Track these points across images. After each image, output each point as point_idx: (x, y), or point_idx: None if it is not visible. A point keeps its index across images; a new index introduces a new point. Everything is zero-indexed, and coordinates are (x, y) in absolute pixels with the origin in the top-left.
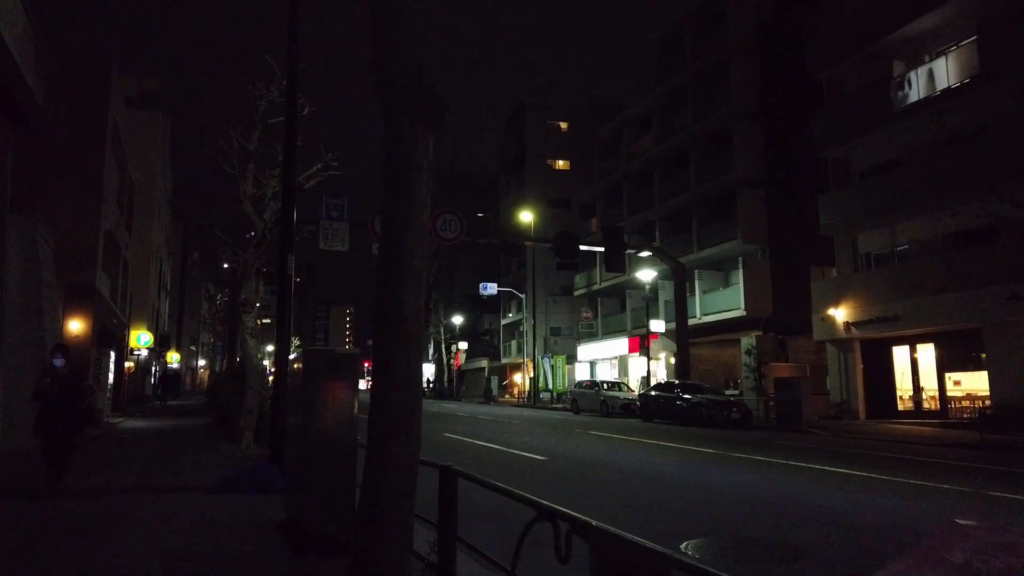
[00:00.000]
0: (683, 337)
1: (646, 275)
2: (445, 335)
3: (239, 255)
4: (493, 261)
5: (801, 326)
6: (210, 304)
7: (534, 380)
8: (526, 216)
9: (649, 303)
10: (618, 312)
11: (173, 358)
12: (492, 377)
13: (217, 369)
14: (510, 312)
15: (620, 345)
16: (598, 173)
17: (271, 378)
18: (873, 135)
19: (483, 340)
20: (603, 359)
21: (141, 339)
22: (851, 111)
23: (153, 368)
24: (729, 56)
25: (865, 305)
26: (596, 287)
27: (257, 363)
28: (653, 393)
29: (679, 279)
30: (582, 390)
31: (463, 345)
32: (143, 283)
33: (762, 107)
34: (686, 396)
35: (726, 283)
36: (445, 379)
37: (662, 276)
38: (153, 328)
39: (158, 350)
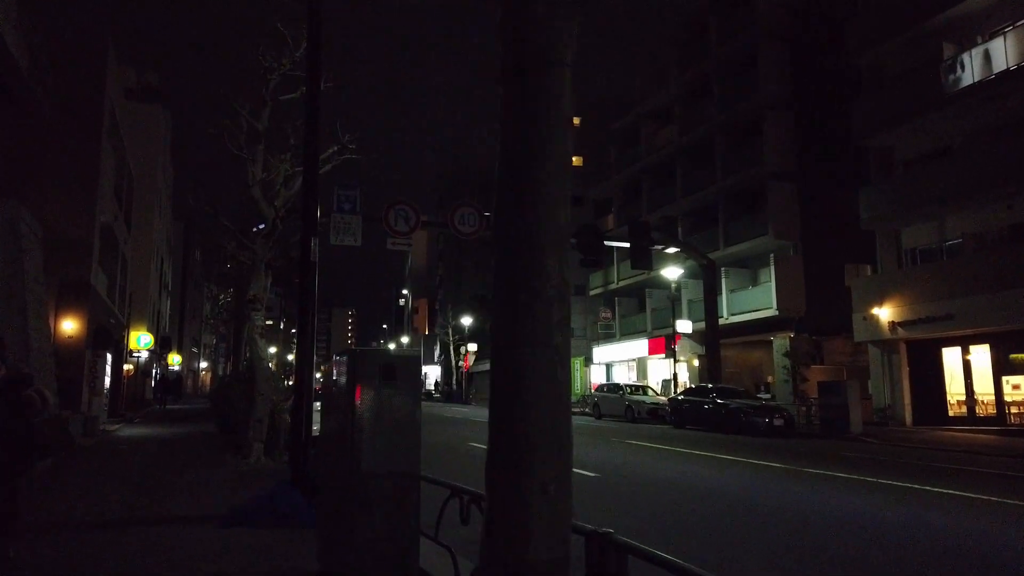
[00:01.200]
0: (713, 338)
1: (672, 272)
2: (453, 336)
3: (247, 247)
4: None
5: (836, 326)
6: (212, 304)
7: None
8: None
9: (673, 303)
10: (636, 312)
11: (174, 360)
12: None
13: (220, 372)
14: None
15: (639, 347)
16: (614, 168)
17: (289, 382)
18: (920, 121)
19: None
20: (620, 361)
21: (141, 340)
22: (895, 96)
23: (154, 371)
24: (757, 42)
25: (912, 304)
26: (613, 286)
27: (267, 366)
28: (685, 397)
29: (709, 276)
30: (604, 394)
31: (472, 347)
32: (143, 281)
33: (793, 95)
34: (722, 401)
35: (754, 281)
36: (454, 381)
37: (688, 274)
38: (154, 329)
39: (159, 352)
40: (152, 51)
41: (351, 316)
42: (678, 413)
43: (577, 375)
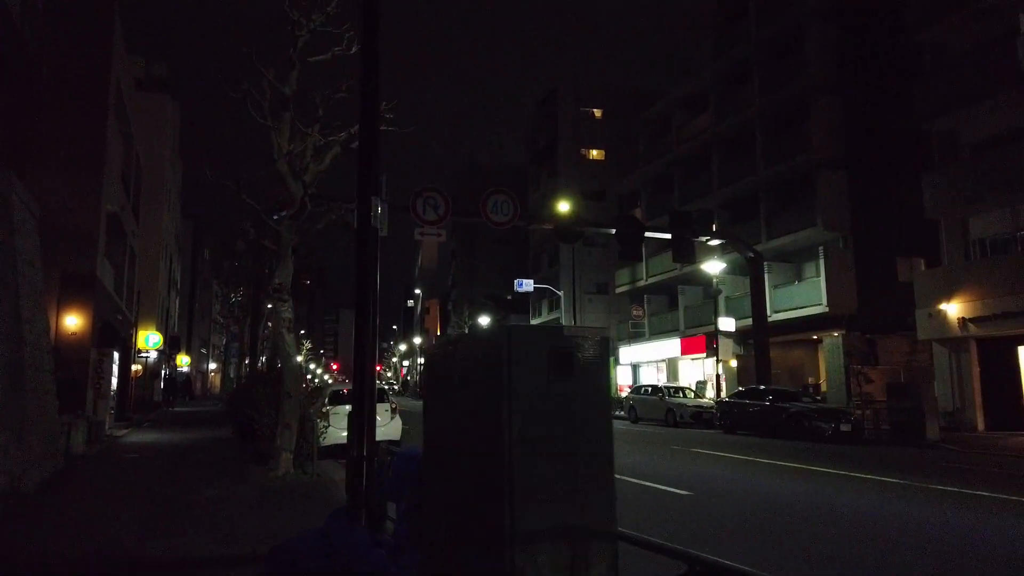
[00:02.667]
0: (762, 336)
1: (713, 267)
2: None
3: (271, 228)
4: (519, 259)
5: (891, 324)
6: (224, 303)
7: None
8: (563, 207)
9: (708, 299)
10: (667, 311)
11: (183, 361)
12: None
13: (232, 374)
14: (541, 312)
15: (670, 346)
16: (643, 159)
17: (322, 382)
18: (990, 101)
19: None
20: (648, 362)
21: (150, 340)
22: (962, 75)
23: (163, 372)
24: (803, 22)
25: (985, 298)
26: (642, 283)
27: (296, 364)
28: (735, 400)
29: (755, 271)
30: (642, 396)
31: None
32: (152, 279)
33: (842, 78)
34: (781, 404)
35: (798, 276)
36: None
37: (727, 270)
38: (163, 328)
39: (168, 352)
40: (160, 43)
41: None
42: (728, 417)
43: None
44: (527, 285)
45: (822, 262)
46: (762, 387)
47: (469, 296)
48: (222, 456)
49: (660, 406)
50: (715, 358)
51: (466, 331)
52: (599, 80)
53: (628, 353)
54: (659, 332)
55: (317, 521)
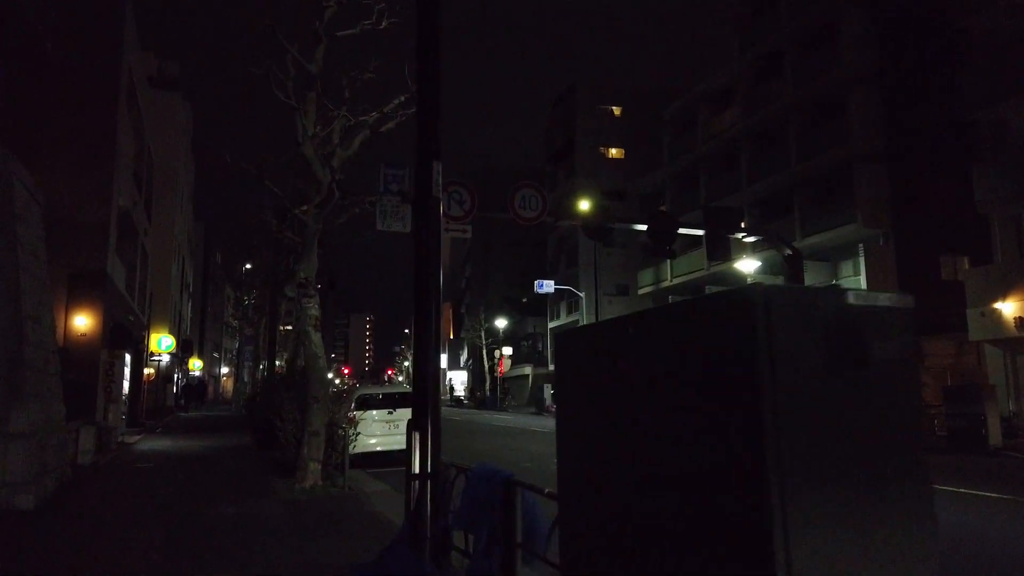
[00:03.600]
0: None
1: (747, 265)
2: (487, 340)
3: (296, 218)
4: (534, 262)
5: (934, 325)
6: (236, 306)
7: None
8: (584, 205)
9: None
10: None
11: (195, 365)
12: (545, 385)
13: (247, 378)
14: (559, 314)
15: None
16: (667, 157)
17: (348, 386)
18: None
19: (525, 345)
20: None
21: (162, 343)
22: (1016, 61)
23: (176, 376)
24: (839, 10)
25: None
26: (666, 284)
27: (323, 366)
28: None
29: (793, 269)
30: None
31: (507, 351)
32: (164, 280)
33: (881, 67)
34: None
35: (834, 275)
36: (487, 387)
37: (761, 269)
38: (175, 331)
39: (180, 356)
40: (172, 41)
41: (369, 321)
42: None
43: None
44: (547, 286)
45: (862, 260)
46: None
47: (483, 299)
48: (242, 466)
49: None
50: None
51: (482, 335)
52: (617, 78)
53: None
54: None
55: (360, 546)
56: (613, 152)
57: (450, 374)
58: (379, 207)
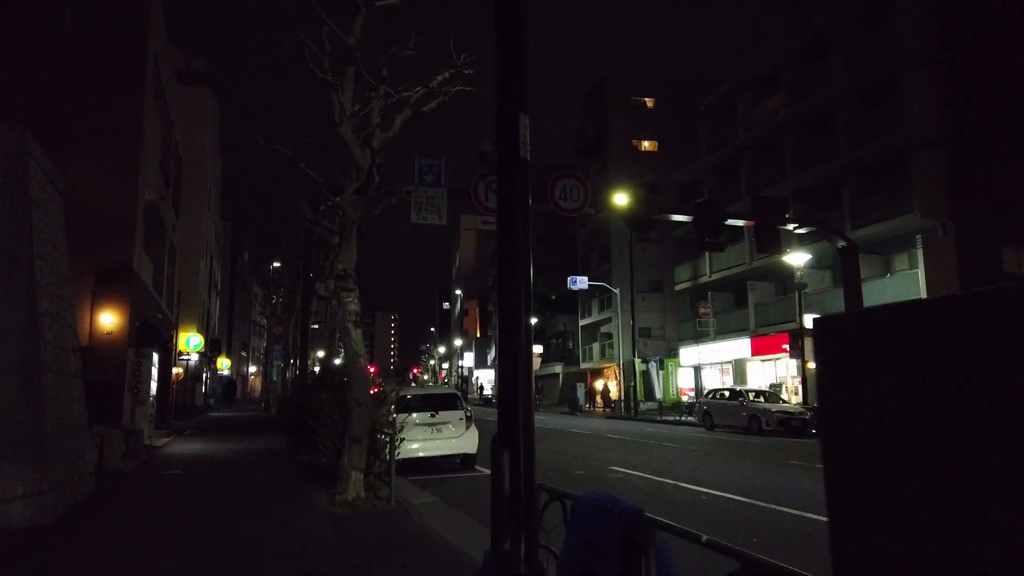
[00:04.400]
0: None
1: (796, 258)
2: None
3: (333, 205)
4: (562, 258)
5: None
6: (265, 303)
7: (632, 388)
8: (621, 199)
9: (781, 295)
10: (733, 309)
11: (224, 364)
12: (578, 384)
13: (276, 377)
14: (591, 312)
15: (737, 347)
16: (705, 147)
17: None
18: None
19: (554, 343)
20: (712, 364)
21: (191, 342)
22: None
23: (204, 375)
24: None
25: None
26: (704, 280)
27: (364, 365)
28: None
29: (850, 261)
30: (718, 401)
31: (537, 349)
32: (193, 278)
33: (940, 47)
34: None
35: (886, 269)
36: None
37: (809, 263)
38: (203, 330)
39: (209, 355)
40: (200, 39)
41: (394, 320)
42: None
43: (672, 378)
44: (581, 282)
45: (920, 252)
46: None
47: None
48: (277, 473)
49: (741, 412)
50: (801, 359)
51: None
52: (650, 69)
53: (689, 354)
54: (725, 332)
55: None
56: (646, 145)
57: (477, 372)
58: (414, 198)
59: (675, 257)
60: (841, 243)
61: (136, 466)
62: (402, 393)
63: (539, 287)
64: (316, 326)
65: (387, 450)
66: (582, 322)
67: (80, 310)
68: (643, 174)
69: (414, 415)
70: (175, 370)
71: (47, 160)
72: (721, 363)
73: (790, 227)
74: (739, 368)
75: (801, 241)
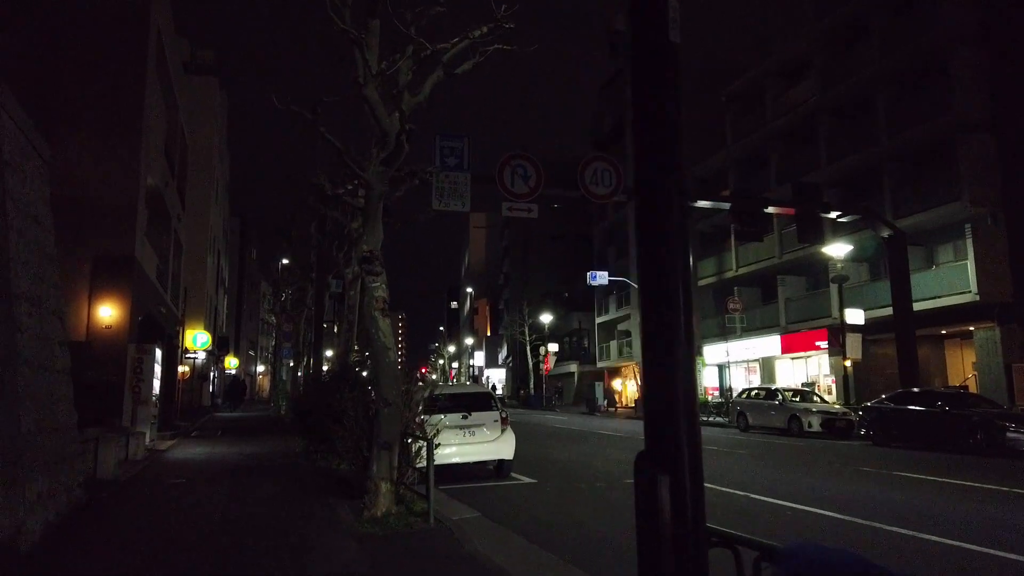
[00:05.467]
0: (907, 329)
1: (837, 250)
2: (531, 335)
3: (357, 176)
4: (576, 255)
5: None
6: (275, 298)
7: None
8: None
9: (813, 289)
10: (760, 304)
11: (231, 363)
12: (597, 383)
13: (286, 376)
14: (608, 309)
15: (767, 344)
16: (730, 137)
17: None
18: None
19: (569, 341)
20: (738, 362)
21: (198, 340)
22: None
23: (211, 374)
24: None
25: None
26: (731, 274)
27: (394, 360)
28: (891, 406)
29: (897, 251)
30: (755, 400)
31: (553, 347)
32: (200, 274)
33: (987, 25)
34: (961, 411)
35: (929, 261)
36: (531, 385)
37: (851, 256)
38: (211, 328)
39: (216, 353)
40: (206, 29)
41: (401, 319)
42: (879, 426)
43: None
44: (601, 278)
45: (968, 243)
46: (916, 389)
47: (522, 295)
48: (293, 481)
49: (779, 412)
50: (841, 357)
51: (525, 331)
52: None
53: (713, 352)
54: (752, 329)
55: None
56: None
57: (487, 372)
58: (435, 183)
59: (696, 252)
60: (887, 232)
61: (135, 473)
62: (454, 391)
63: (551, 284)
64: (324, 325)
65: (421, 457)
66: (599, 320)
67: (76, 302)
68: None
69: (443, 417)
70: (181, 368)
71: (29, 122)
72: (748, 361)
73: (832, 215)
74: (767, 366)
75: (835, 231)
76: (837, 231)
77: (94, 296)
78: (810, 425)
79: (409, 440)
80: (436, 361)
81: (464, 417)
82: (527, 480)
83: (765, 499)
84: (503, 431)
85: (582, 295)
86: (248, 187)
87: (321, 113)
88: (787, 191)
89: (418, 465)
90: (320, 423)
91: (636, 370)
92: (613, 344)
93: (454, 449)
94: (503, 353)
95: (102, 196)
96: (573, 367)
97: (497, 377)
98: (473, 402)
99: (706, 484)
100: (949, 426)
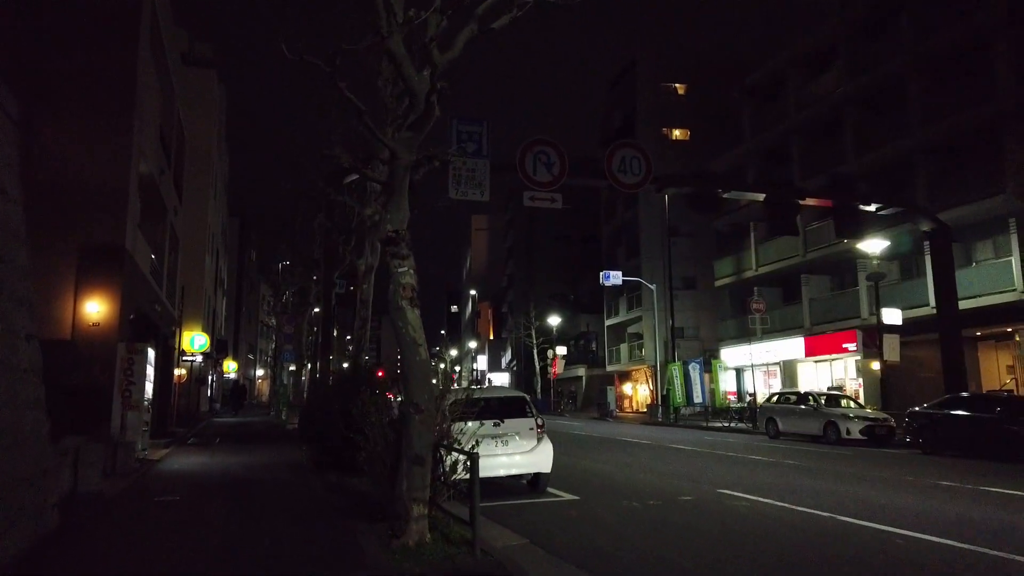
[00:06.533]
0: (952, 329)
1: (873, 246)
2: (538, 339)
3: (378, 140)
4: (581, 256)
5: None
6: (276, 297)
7: (670, 392)
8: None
9: (838, 289)
10: (780, 305)
11: (230, 367)
12: (608, 388)
13: (287, 380)
14: (617, 311)
15: (788, 347)
16: (748, 131)
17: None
18: None
19: (576, 345)
20: (757, 365)
21: (195, 342)
22: None
23: (210, 378)
24: None
25: None
26: (750, 274)
27: (425, 359)
28: (940, 412)
29: (941, 245)
30: (786, 405)
31: (561, 350)
32: (198, 273)
33: None
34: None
35: (966, 258)
36: (539, 389)
37: (887, 253)
38: (209, 330)
39: (215, 356)
40: (206, 22)
41: None
42: (929, 434)
43: (718, 381)
44: (615, 278)
45: (1014, 238)
46: (966, 394)
47: (527, 297)
48: (302, 500)
49: (814, 418)
50: (880, 359)
51: (532, 334)
52: (681, 52)
53: (730, 355)
54: (774, 330)
55: None
56: (677, 133)
57: (490, 375)
58: (452, 171)
59: (710, 252)
60: (927, 226)
61: (123, 488)
62: (492, 394)
63: (556, 287)
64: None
65: (458, 472)
66: (608, 322)
67: (61, 296)
68: (674, 164)
69: (470, 424)
70: (177, 371)
71: None
72: (768, 364)
73: (871, 208)
74: (788, 370)
75: (864, 227)
76: (865, 226)
77: (81, 290)
78: (848, 432)
79: (443, 452)
80: (437, 365)
81: (496, 424)
82: (567, 496)
83: (858, 522)
84: (539, 440)
85: (589, 297)
86: (247, 188)
87: (340, 66)
88: (810, 186)
89: (456, 477)
90: (330, 431)
91: (648, 373)
92: (623, 347)
93: (485, 461)
94: (507, 357)
95: (90, 179)
96: (581, 371)
97: (500, 381)
98: (506, 408)
99: (781, 503)
100: (1011, 434)
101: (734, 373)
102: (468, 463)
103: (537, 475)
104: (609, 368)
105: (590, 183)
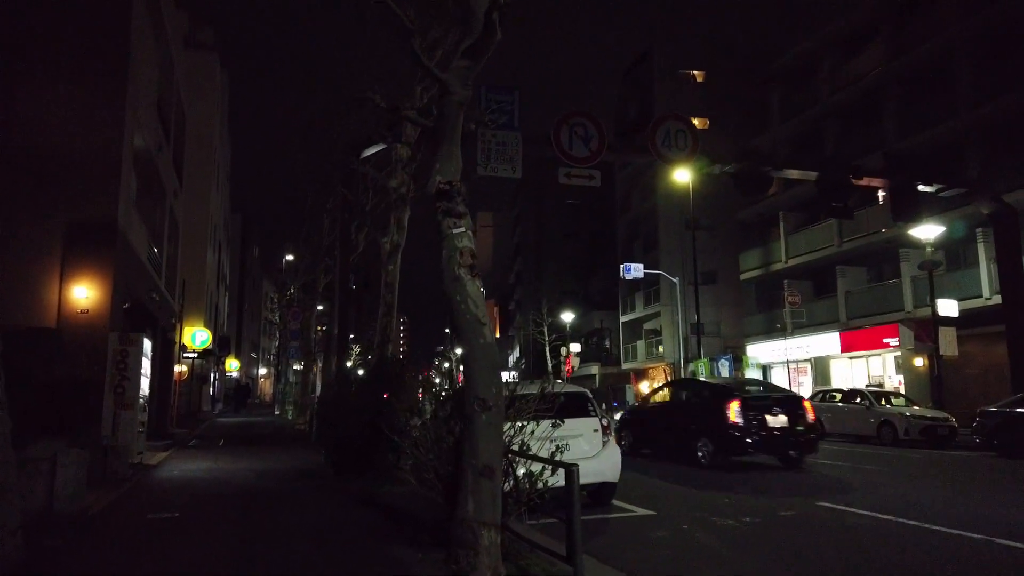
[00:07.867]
0: (1019, 319)
1: (927, 231)
2: (550, 335)
3: (432, 75)
4: (592, 252)
5: None
6: (281, 290)
7: None
8: (682, 176)
9: (876, 281)
10: (812, 299)
11: (232, 365)
12: (627, 386)
13: (292, 378)
14: (635, 306)
15: (823, 343)
16: (777, 116)
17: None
18: None
19: (588, 342)
20: (786, 362)
21: (197, 337)
22: None
23: (212, 376)
24: None
25: None
26: (778, 266)
27: (491, 341)
28: (1018, 411)
29: (1007, 228)
30: (832, 404)
31: (575, 347)
32: (199, 265)
33: None
34: None
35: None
36: (551, 388)
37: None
38: (211, 326)
39: (217, 354)
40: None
41: (403, 322)
42: (1006, 435)
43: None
44: (636, 271)
45: None
46: None
47: (535, 294)
48: (329, 516)
49: (866, 417)
50: (936, 355)
51: (544, 331)
52: (700, 39)
53: (757, 350)
54: (805, 325)
55: None
56: (696, 123)
57: None
58: (480, 144)
59: (731, 246)
60: (989, 209)
61: (111, 501)
62: (572, 391)
63: (566, 283)
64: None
65: (536, 483)
66: (623, 318)
67: (45, 279)
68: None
69: (543, 424)
70: (178, 368)
71: None
72: (799, 361)
73: (931, 189)
74: (820, 366)
75: (983, 202)
76: (924, 210)
77: (67, 272)
78: (906, 432)
79: (512, 458)
80: (442, 364)
81: (555, 425)
82: (640, 511)
83: (1001, 541)
84: (605, 443)
85: (603, 293)
86: (249, 183)
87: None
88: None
89: (539, 489)
90: (353, 432)
91: (667, 371)
92: (640, 344)
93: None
94: (515, 355)
95: (79, 148)
96: (594, 369)
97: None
98: (565, 405)
99: (898, 519)
100: None
101: (760, 372)
102: (550, 475)
103: (602, 485)
104: (625, 366)
105: (632, 158)
